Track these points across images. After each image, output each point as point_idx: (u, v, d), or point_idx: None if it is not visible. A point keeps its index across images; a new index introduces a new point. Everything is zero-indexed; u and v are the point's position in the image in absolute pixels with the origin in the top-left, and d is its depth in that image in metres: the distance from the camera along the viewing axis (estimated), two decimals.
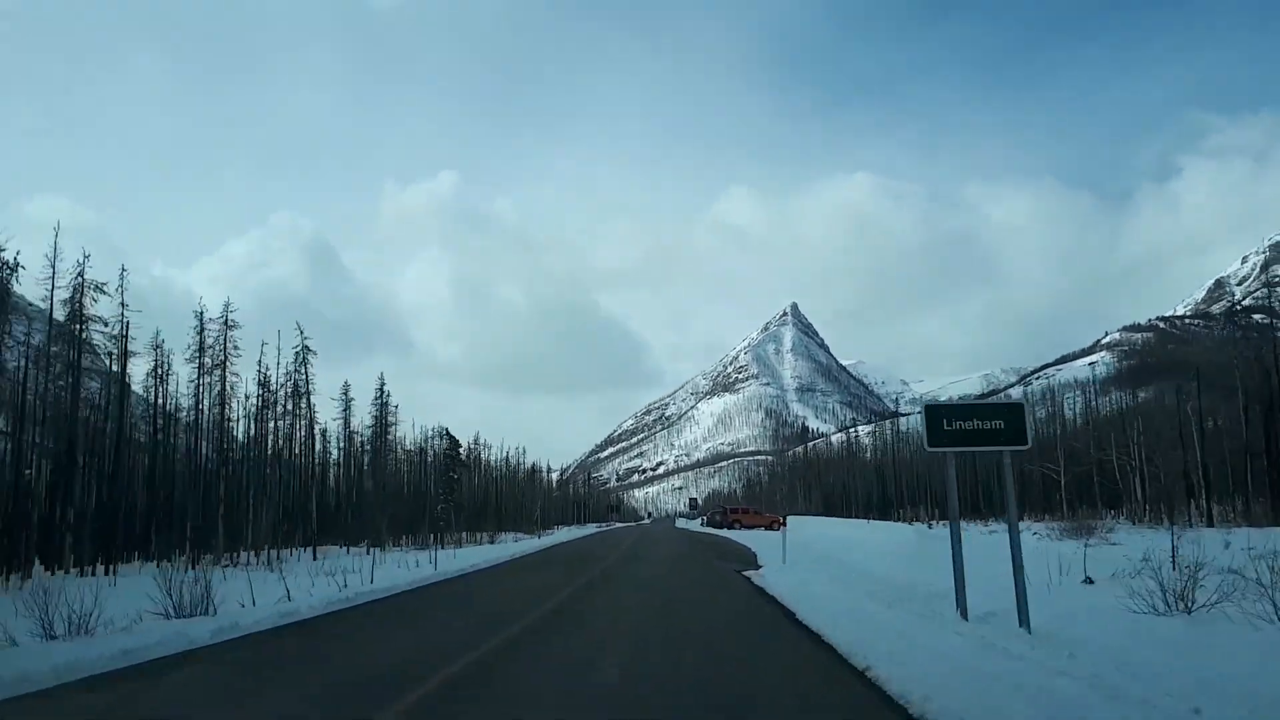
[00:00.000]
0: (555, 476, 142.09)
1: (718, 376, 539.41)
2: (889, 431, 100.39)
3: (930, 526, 58.41)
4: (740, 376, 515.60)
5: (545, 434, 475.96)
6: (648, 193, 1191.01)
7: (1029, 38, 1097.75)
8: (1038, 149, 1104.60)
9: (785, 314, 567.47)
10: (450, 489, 51.02)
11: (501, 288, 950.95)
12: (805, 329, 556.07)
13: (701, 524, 73.61)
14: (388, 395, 56.35)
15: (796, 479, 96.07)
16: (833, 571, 16.30)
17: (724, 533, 53.27)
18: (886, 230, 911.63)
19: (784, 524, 59.44)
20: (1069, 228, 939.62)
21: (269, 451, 42.59)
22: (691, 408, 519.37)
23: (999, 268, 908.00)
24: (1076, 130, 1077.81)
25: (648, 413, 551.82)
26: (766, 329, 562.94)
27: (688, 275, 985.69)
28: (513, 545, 40.78)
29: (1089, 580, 16.15)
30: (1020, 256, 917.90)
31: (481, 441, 78.04)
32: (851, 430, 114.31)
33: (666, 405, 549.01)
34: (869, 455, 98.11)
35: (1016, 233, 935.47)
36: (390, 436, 56.20)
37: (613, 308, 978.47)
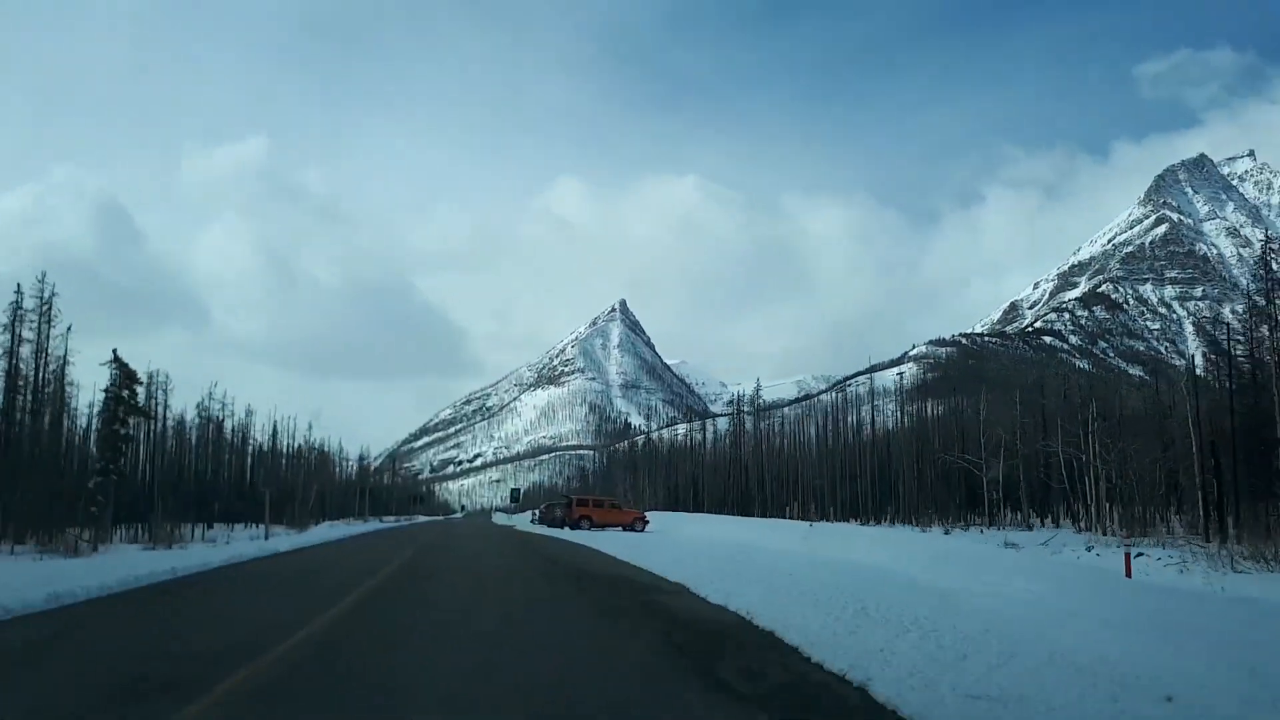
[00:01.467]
0: (355, 465, 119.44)
1: (543, 369, 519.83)
2: (746, 425, 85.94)
3: (923, 530, 42.73)
4: (566, 370, 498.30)
5: (356, 421, 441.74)
6: (472, 176, 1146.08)
7: (847, 61, 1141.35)
8: (853, 166, 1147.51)
9: (614, 310, 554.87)
10: (115, 453, 30.31)
11: (310, 264, 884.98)
12: (632, 326, 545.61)
13: (533, 520, 55.09)
14: (53, 307, 34.70)
15: (643, 471, 79.81)
16: None
17: (568, 535, 35.46)
18: (711, 234, 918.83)
19: (647, 522, 42.47)
20: (879, 244, 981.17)
21: None
22: (514, 399, 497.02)
23: (813, 278, 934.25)
24: (889, 152, 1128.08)
25: (467, 402, 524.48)
26: (594, 324, 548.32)
27: (513, 264, 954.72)
28: (177, 557, 20.84)
29: None
30: (833, 268, 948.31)
31: (230, 402, 56.52)
32: (697, 424, 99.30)
33: (488, 395, 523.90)
34: (723, 448, 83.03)
35: (830, 245, 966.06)
36: (56, 378, 34.67)
37: (431, 292, 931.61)
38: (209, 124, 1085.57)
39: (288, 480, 64.80)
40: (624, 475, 78.44)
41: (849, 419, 76.79)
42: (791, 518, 57.10)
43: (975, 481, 50.61)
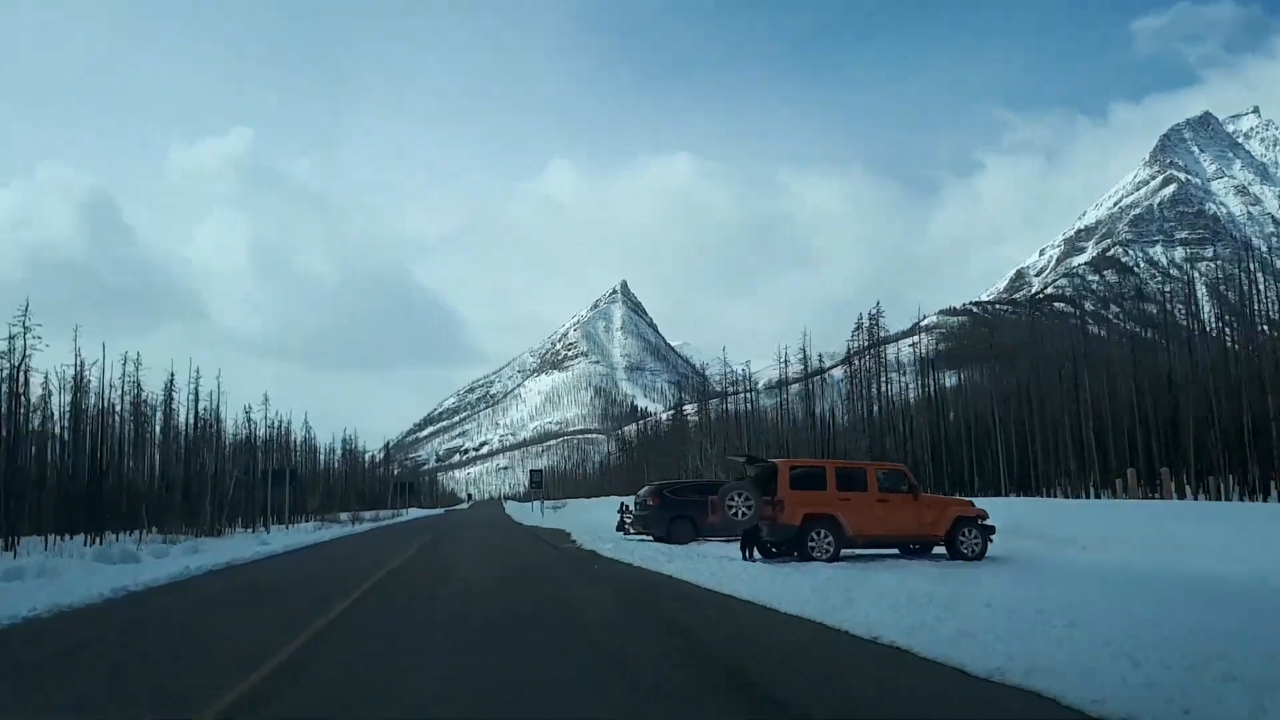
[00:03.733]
0: (339, 454, 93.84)
1: (546, 354, 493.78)
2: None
3: None
4: (569, 354, 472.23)
5: (358, 413, 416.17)
6: (464, 162, 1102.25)
7: (838, 30, 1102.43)
8: (848, 139, 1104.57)
9: (615, 291, 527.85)
10: None
11: (305, 255, 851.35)
12: (635, 307, 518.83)
13: (626, 526, 25.18)
14: None
15: (727, 442, 54.07)
16: None
17: (814, 591, 10.24)
18: (708, 212, 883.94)
19: (991, 528, 16.27)
20: (877, 216, 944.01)
21: None
22: (518, 385, 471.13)
23: (812, 253, 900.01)
24: (885, 123, 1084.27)
25: (470, 390, 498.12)
26: (596, 306, 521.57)
27: (510, 249, 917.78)
28: None
29: None
30: (831, 243, 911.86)
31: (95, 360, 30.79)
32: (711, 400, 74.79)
33: (491, 383, 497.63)
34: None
35: (828, 219, 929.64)
36: None
37: (429, 281, 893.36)
38: (192, 117, 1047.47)
39: (210, 472, 39.11)
40: (700, 443, 52.75)
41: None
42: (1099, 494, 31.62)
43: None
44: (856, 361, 56.08)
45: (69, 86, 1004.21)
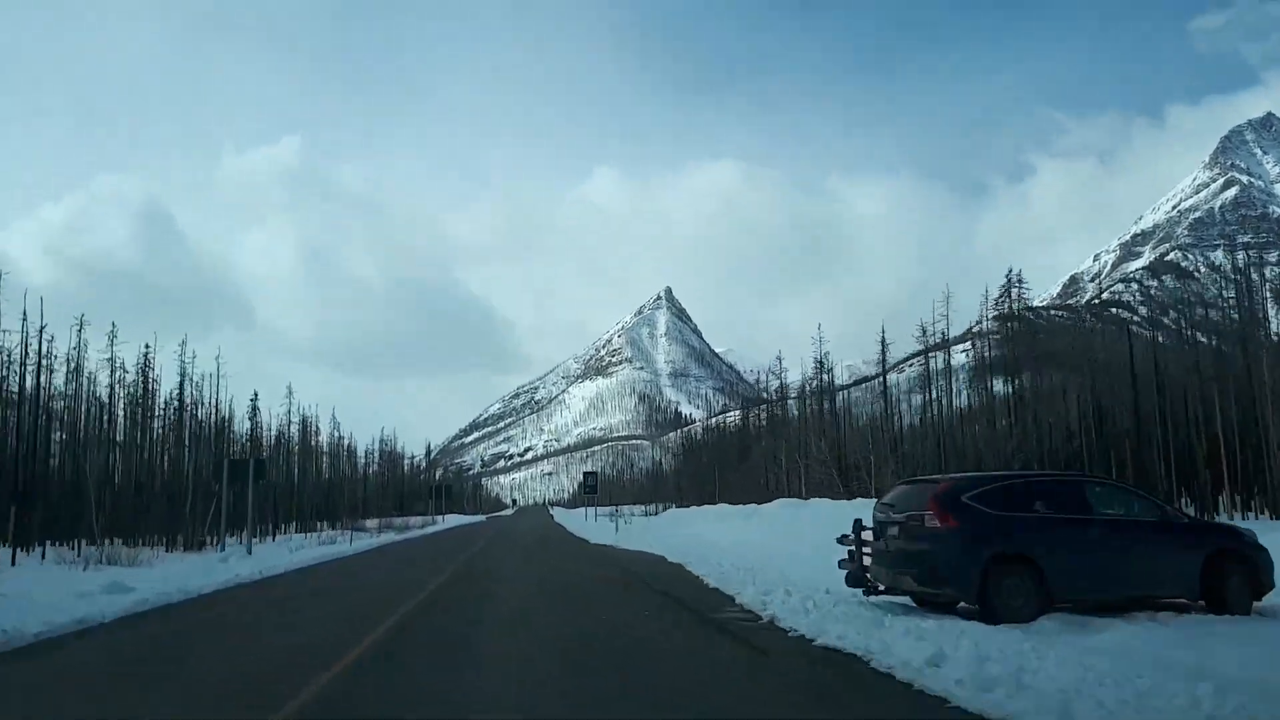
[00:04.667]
0: (376, 459, 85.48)
1: (590, 360, 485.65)
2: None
3: None
4: (613, 360, 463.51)
5: (406, 418, 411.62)
6: (510, 169, 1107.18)
7: (887, 33, 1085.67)
8: (897, 144, 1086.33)
9: (659, 297, 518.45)
10: None
11: (352, 262, 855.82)
12: (679, 313, 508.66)
13: (867, 580, 9.92)
14: None
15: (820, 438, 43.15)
16: None
17: None
18: (754, 218, 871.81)
19: None
20: (926, 222, 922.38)
21: None
22: (562, 391, 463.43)
23: (859, 259, 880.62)
24: (934, 127, 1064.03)
25: (516, 396, 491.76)
26: (640, 312, 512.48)
27: (555, 256, 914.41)
28: None
29: None
30: (879, 249, 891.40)
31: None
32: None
33: (536, 389, 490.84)
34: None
35: (876, 225, 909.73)
36: None
37: (475, 287, 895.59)
38: (242, 126, 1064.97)
39: (188, 470, 30.40)
40: (805, 439, 41.94)
41: None
42: None
43: None
44: (988, 338, 45.57)
45: (125, 100, 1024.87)
